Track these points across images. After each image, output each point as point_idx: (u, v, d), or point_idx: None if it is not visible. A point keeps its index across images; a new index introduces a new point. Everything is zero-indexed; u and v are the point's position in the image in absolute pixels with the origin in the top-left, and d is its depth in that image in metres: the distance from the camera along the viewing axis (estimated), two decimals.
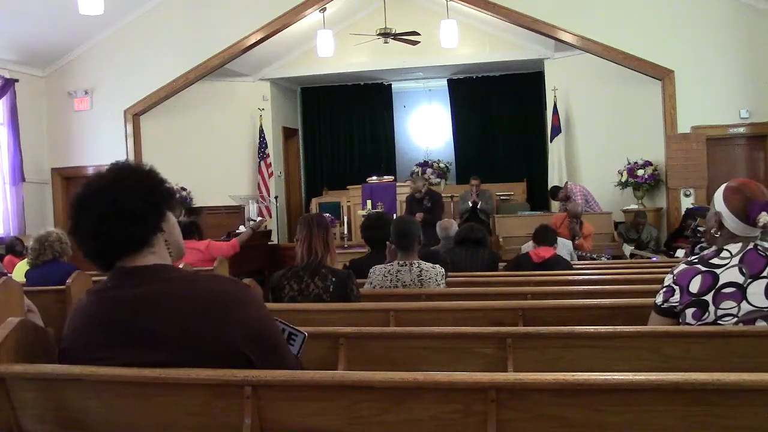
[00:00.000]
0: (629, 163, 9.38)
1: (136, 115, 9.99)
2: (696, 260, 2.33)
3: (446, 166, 12.98)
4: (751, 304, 2.22)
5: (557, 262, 5.09)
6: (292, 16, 9.35)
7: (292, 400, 1.55)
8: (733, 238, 2.30)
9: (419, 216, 8.44)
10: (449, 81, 12.97)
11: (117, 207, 1.59)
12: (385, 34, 9.75)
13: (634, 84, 9.40)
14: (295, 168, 13.11)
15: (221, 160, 10.98)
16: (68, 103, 10.06)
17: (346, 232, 9.81)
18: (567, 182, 9.61)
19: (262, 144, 11.35)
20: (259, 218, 8.92)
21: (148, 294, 1.58)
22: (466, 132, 12.94)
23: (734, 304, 2.23)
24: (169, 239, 1.70)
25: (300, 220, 3.44)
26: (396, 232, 3.79)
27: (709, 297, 2.25)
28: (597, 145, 10.10)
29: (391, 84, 13.23)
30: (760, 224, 2.22)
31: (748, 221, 2.25)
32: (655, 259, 7.16)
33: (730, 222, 2.29)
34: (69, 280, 4.33)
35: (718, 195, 2.36)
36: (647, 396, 1.48)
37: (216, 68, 9.84)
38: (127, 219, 1.59)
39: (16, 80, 9.45)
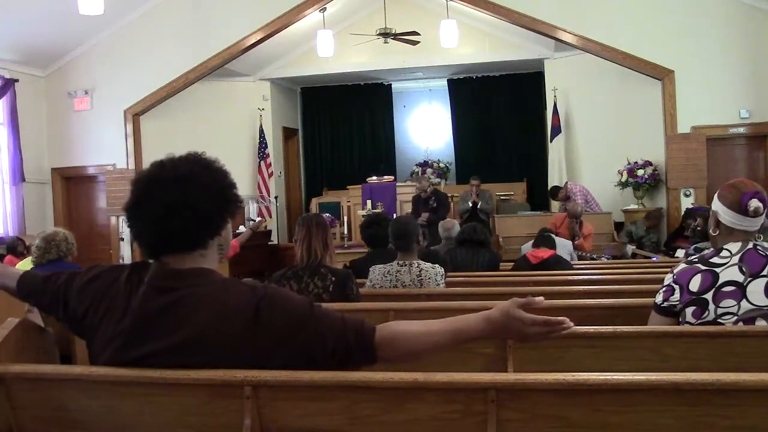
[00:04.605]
0: (629, 163, 9.38)
1: (136, 115, 9.99)
2: (696, 259, 2.35)
3: (446, 166, 12.98)
4: (751, 303, 2.22)
5: (556, 263, 5.07)
6: (292, 16, 9.35)
7: (292, 400, 1.55)
8: (731, 233, 2.32)
9: (425, 216, 8.46)
10: (449, 81, 12.96)
11: (187, 202, 1.52)
12: (385, 34, 9.76)
13: (634, 84, 9.40)
14: (295, 168, 13.10)
15: (221, 160, 10.90)
16: (68, 103, 10.06)
17: (346, 232, 9.80)
18: (567, 182, 9.62)
19: (262, 144, 11.35)
20: (259, 218, 8.92)
21: (185, 297, 1.53)
22: (466, 132, 12.94)
23: (734, 302, 2.23)
24: (223, 245, 1.65)
25: (299, 220, 3.43)
26: (393, 233, 3.79)
27: (709, 296, 2.25)
28: (597, 145, 10.10)
29: (391, 84, 13.23)
30: (752, 209, 2.25)
31: (740, 210, 2.27)
32: (655, 259, 7.16)
33: (725, 216, 2.32)
34: None
35: (715, 196, 2.41)
36: (647, 396, 1.48)
37: (216, 68, 9.84)
38: (193, 218, 1.53)
39: (16, 80, 9.44)
